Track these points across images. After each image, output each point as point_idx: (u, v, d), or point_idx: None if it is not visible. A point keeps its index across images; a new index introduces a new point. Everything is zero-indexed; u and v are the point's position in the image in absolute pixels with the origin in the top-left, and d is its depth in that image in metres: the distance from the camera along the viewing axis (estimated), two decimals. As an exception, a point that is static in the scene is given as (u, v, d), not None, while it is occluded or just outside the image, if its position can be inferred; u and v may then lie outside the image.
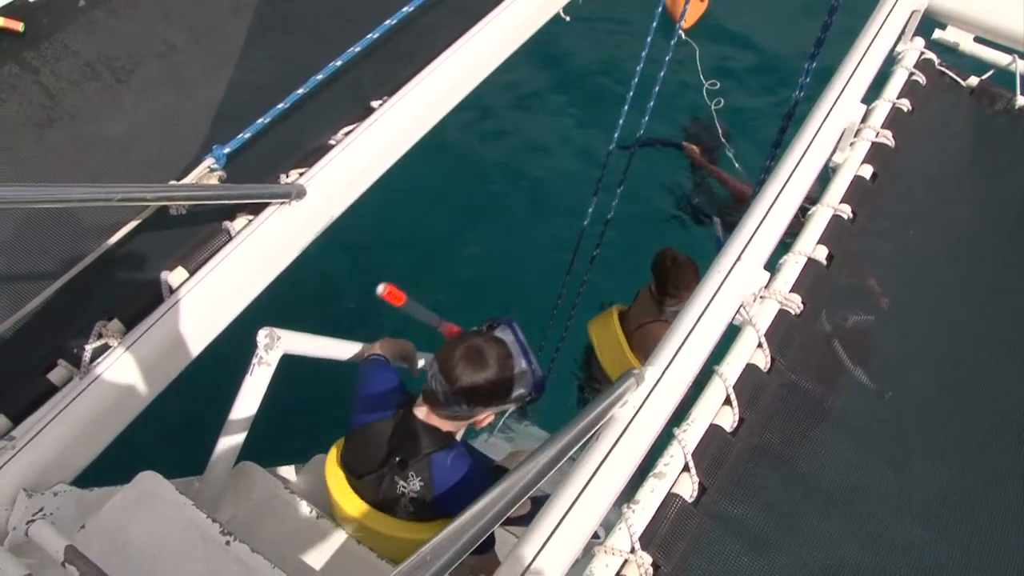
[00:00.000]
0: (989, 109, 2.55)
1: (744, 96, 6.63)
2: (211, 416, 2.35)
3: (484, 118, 6.38)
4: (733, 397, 1.73)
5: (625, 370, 1.65)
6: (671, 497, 1.58)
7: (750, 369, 1.80)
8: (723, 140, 5.89)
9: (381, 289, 2.36)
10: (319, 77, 2.62)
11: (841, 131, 2.30)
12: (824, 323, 1.97)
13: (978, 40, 2.67)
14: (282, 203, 2.24)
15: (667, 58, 3.65)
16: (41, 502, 1.81)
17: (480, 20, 2.77)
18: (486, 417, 2.33)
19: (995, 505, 1.70)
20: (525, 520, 1.71)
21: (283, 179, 2.36)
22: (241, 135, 2.44)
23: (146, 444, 2.43)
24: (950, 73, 2.62)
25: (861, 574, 1.58)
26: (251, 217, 2.26)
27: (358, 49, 2.71)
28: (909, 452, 1.78)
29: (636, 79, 3.71)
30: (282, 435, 3.14)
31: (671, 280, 3.72)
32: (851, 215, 2.15)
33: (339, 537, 2.35)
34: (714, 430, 1.69)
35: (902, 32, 2.61)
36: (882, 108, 2.44)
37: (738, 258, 1.89)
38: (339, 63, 2.67)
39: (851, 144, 2.36)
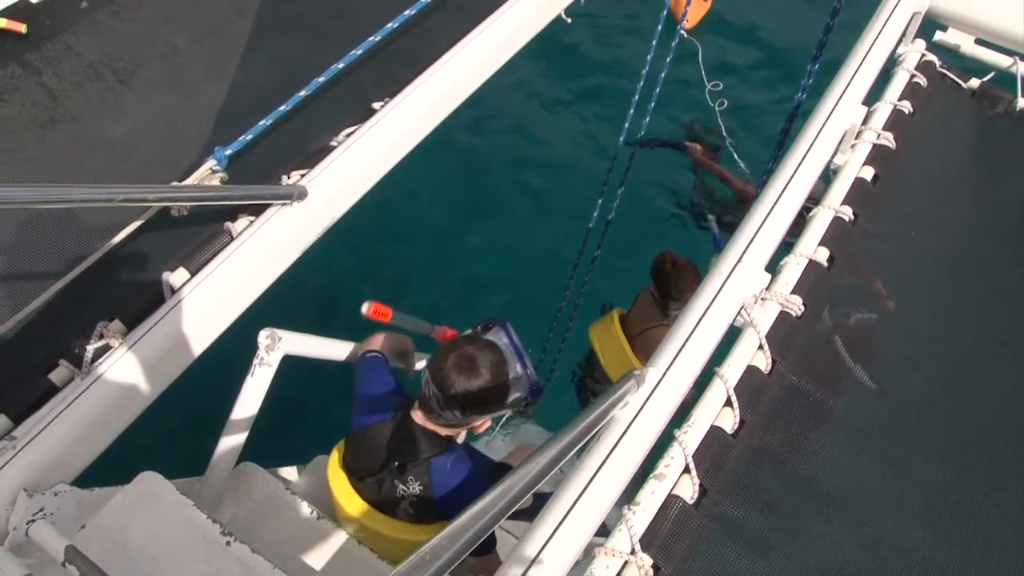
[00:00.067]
0: (990, 111, 2.56)
1: (748, 96, 6.61)
2: (212, 417, 2.36)
3: (485, 118, 6.39)
4: (734, 399, 1.73)
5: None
6: (672, 499, 1.58)
7: (751, 371, 1.80)
8: (727, 140, 5.87)
9: (366, 308, 2.34)
10: (321, 79, 2.63)
11: (842, 133, 2.30)
12: (825, 325, 1.97)
13: (979, 42, 2.67)
14: (283, 204, 2.24)
15: (668, 59, 3.65)
16: (42, 502, 1.81)
17: (481, 22, 2.77)
18: (483, 423, 2.31)
19: (996, 507, 1.70)
20: (528, 514, 1.70)
21: (285, 180, 2.36)
22: (243, 137, 2.45)
23: (147, 444, 2.44)
24: (951, 75, 2.62)
25: None
26: (252, 218, 2.26)
27: (360, 51, 2.72)
28: (910, 454, 1.78)
29: (641, 82, 3.71)
30: (283, 436, 3.14)
31: (673, 283, 3.72)
32: (852, 217, 2.15)
33: (340, 538, 2.35)
34: (715, 432, 1.69)
35: (903, 34, 2.61)
36: (883, 110, 2.44)
37: (739, 260, 1.90)
38: (341, 65, 2.67)
39: (852, 146, 2.36)
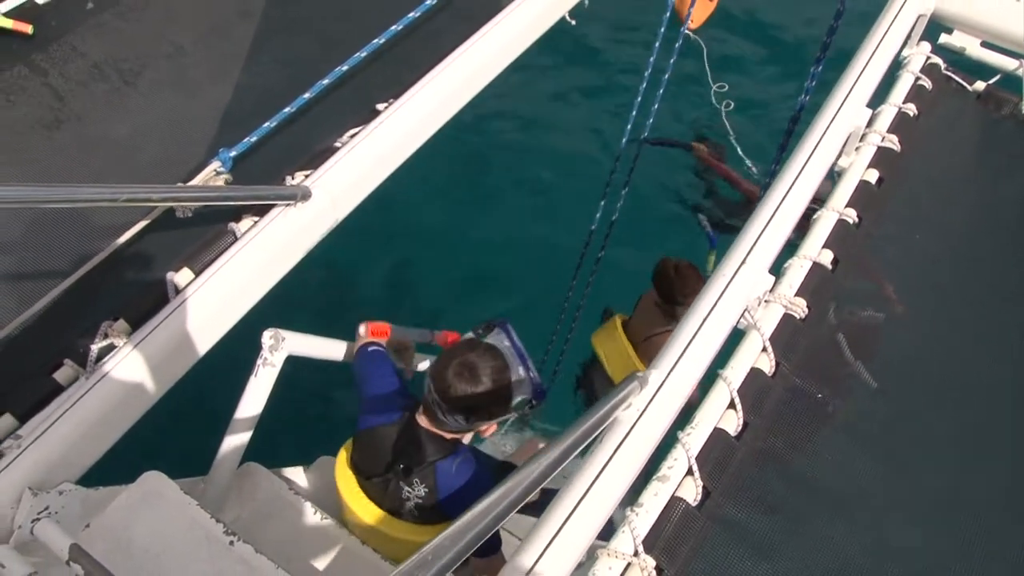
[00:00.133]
0: (995, 113, 2.55)
1: (755, 97, 6.56)
2: (216, 416, 2.36)
3: (488, 118, 6.38)
4: (737, 401, 1.73)
5: None
6: (675, 500, 1.58)
7: (754, 373, 1.80)
8: (732, 139, 5.83)
9: (363, 330, 2.34)
10: (325, 81, 2.63)
11: (847, 135, 2.30)
12: (829, 327, 1.97)
13: (985, 45, 2.66)
14: (287, 205, 2.25)
15: (671, 61, 3.65)
16: (46, 501, 1.81)
17: (485, 25, 2.77)
18: (489, 427, 2.31)
19: (1000, 511, 1.69)
20: (536, 509, 1.70)
21: (289, 181, 2.37)
22: (247, 138, 2.45)
23: (151, 444, 2.44)
24: (956, 78, 2.62)
25: None
26: (257, 219, 2.27)
27: (364, 53, 2.72)
28: (913, 456, 1.78)
29: (643, 84, 3.71)
30: (287, 436, 3.15)
31: (678, 289, 3.71)
32: (856, 219, 2.15)
33: (343, 538, 2.36)
34: (718, 434, 1.69)
35: (908, 36, 2.60)
36: (888, 112, 2.44)
37: (743, 262, 1.89)
38: (345, 67, 2.68)
39: (857, 148, 2.36)
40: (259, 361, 2.26)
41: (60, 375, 1.99)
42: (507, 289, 5.46)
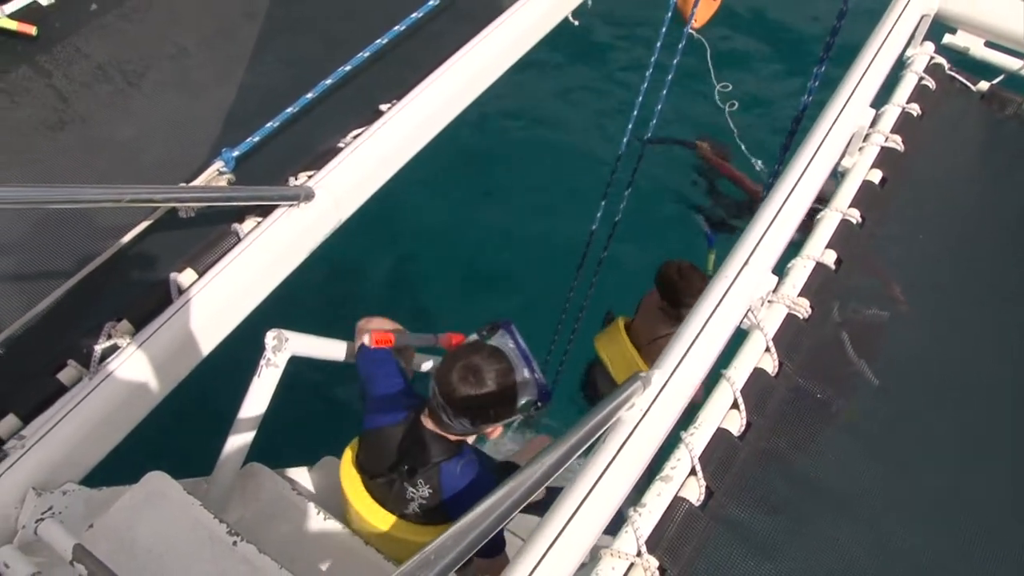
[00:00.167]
0: (999, 114, 2.54)
1: (760, 96, 6.54)
2: (219, 417, 2.36)
3: (490, 118, 6.38)
4: (740, 401, 1.72)
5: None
6: (678, 501, 1.58)
7: (758, 373, 1.79)
8: (737, 141, 5.80)
9: (367, 340, 2.34)
10: (328, 81, 2.63)
11: (850, 135, 2.30)
12: (832, 327, 1.96)
13: (989, 45, 2.65)
14: (291, 205, 2.25)
15: (675, 62, 3.64)
16: (50, 501, 1.82)
17: (488, 26, 2.78)
18: (495, 429, 2.30)
19: (1004, 512, 1.69)
20: (541, 508, 1.70)
21: (292, 182, 2.37)
22: (250, 138, 2.46)
23: (155, 444, 2.44)
24: (960, 78, 2.61)
25: None
26: (260, 219, 2.27)
27: (367, 54, 2.73)
28: (917, 457, 1.77)
29: (645, 83, 3.71)
30: (290, 436, 3.15)
31: (681, 290, 3.70)
32: (860, 219, 2.14)
33: (346, 539, 2.36)
34: (721, 434, 1.69)
35: (912, 36, 2.60)
36: (891, 113, 2.44)
37: (746, 262, 1.89)
38: (348, 67, 2.68)
39: (860, 149, 2.35)
40: (262, 361, 2.27)
41: (64, 375, 1.99)
42: (509, 289, 5.46)
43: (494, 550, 2.26)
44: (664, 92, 3.73)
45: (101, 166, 2.43)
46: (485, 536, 1.15)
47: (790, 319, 1.90)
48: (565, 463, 1.36)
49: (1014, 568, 1.59)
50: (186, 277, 2.17)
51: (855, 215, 2.14)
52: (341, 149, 2.43)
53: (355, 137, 2.46)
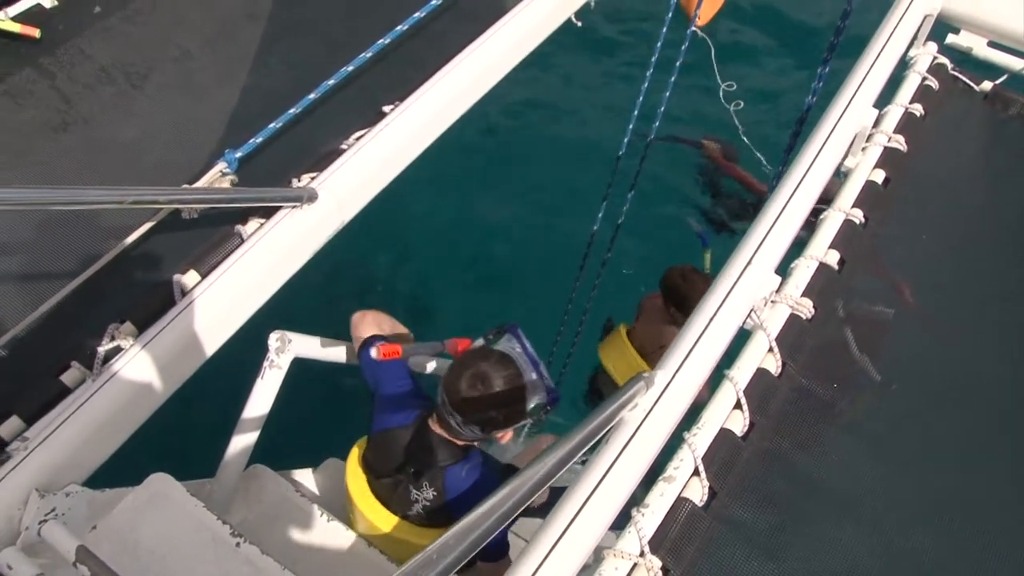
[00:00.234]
0: (1003, 114, 2.54)
1: (765, 95, 6.47)
2: (222, 419, 2.37)
3: (493, 116, 6.37)
4: (744, 401, 1.72)
5: None
6: (681, 501, 1.58)
7: (761, 373, 1.79)
8: (745, 140, 5.76)
9: (374, 352, 2.34)
10: (331, 82, 2.64)
11: (853, 136, 2.29)
12: (835, 328, 1.96)
13: (992, 44, 2.65)
14: (293, 207, 2.25)
15: (678, 63, 3.63)
16: (53, 502, 1.82)
17: (491, 26, 2.78)
18: (505, 434, 2.29)
19: (1008, 512, 1.69)
20: (544, 511, 1.69)
21: (295, 183, 2.37)
22: (253, 139, 2.46)
23: (158, 446, 2.44)
24: (963, 78, 2.61)
25: None
26: (263, 221, 2.27)
27: (370, 54, 2.73)
28: (920, 457, 1.77)
29: (646, 84, 3.70)
30: (294, 438, 3.15)
31: (688, 294, 3.67)
32: (863, 220, 2.14)
33: (350, 540, 2.36)
34: (724, 434, 1.69)
35: (915, 36, 2.60)
36: (894, 113, 2.43)
37: (749, 262, 1.89)
38: (351, 68, 2.68)
39: (863, 149, 2.35)
40: (265, 363, 2.27)
41: (67, 377, 1.99)
42: (511, 288, 5.44)
43: (498, 554, 2.26)
44: (667, 93, 3.72)
45: (104, 168, 2.43)
46: (488, 536, 1.15)
47: (793, 319, 1.90)
48: (568, 463, 1.36)
49: (1018, 568, 1.59)
50: (189, 278, 2.17)
51: (858, 215, 2.14)
52: (344, 150, 2.43)
53: (358, 138, 2.47)
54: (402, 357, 2.38)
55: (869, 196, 2.21)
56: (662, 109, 3.77)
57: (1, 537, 1.78)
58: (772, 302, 1.92)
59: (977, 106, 2.57)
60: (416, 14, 2.87)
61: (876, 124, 2.40)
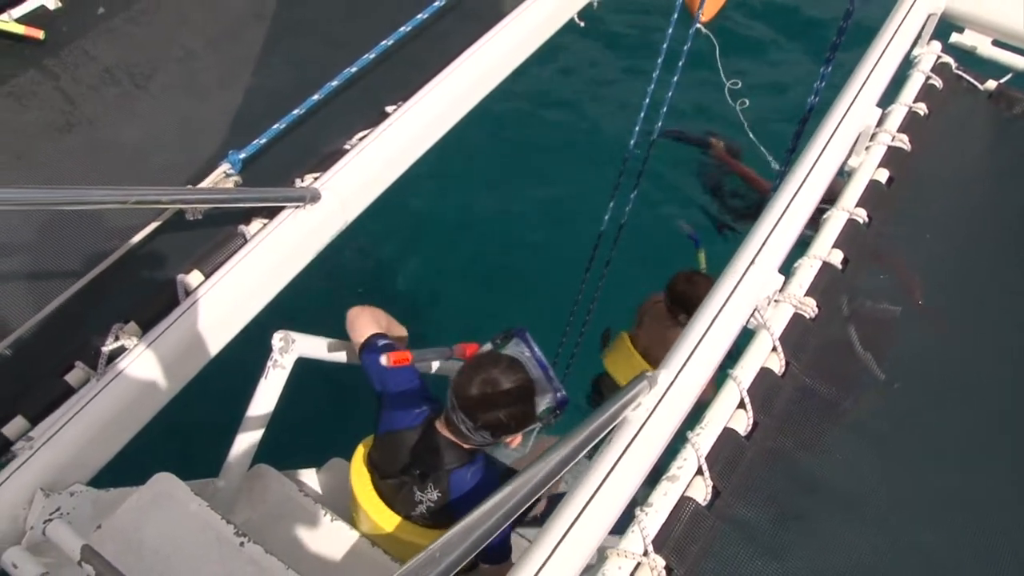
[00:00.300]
0: (1007, 113, 2.53)
1: (771, 92, 6.39)
2: (226, 418, 2.37)
3: (494, 116, 6.34)
4: (747, 400, 1.72)
5: None
6: (684, 500, 1.58)
7: (764, 373, 1.79)
8: (752, 138, 5.72)
9: (385, 360, 2.34)
10: (334, 83, 2.64)
11: (856, 135, 2.29)
12: (839, 327, 1.96)
13: (996, 43, 2.64)
14: (297, 207, 2.25)
15: (680, 63, 3.63)
16: (58, 502, 1.82)
17: (494, 27, 2.78)
18: (515, 439, 2.29)
19: (1012, 511, 1.68)
20: (541, 521, 1.69)
21: (298, 183, 2.38)
22: (257, 140, 2.46)
23: (162, 446, 2.45)
24: (967, 77, 2.60)
25: None
26: (266, 221, 2.28)
27: (372, 55, 2.73)
28: (924, 456, 1.77)
29: (652, 86, 3.69)
30: (297, 438, 3.15)
31: (693, 298, 3.64)
32: (867, 219, 2.14)
33: (353, 539, 2.36)
34: (728, 434, 1.69)
35: (919, 35, 2.59)
36: (898, 112, 2.43)
37: (752, 261, 1.89)
38: (354, 69, 2.69)
39: (867, 148, 2.35)
40: (269, 363, 2.27)
41: (71, 377, 2.00)
42: (514, 287, 5.42)
43: (500, 555, 2.26)
44: (670, 94, 3.71)
45: (108, 168, 2.44)
46: (490, 534, 1.15)
47: (796, 319, 1.90)
48: (571, 462, 1.36)
49: (1022, 567, 1.58)
50: (193, 278, 2.17)
51: (862, 214, 2.14)
52: (347, 151, 2.43)
53: (361, 139, 2.47)
54: (412, 362, 2.37)
55: (873, 195, 2.21)
56: (664, 109, 3.76)
57: (6, 536, 1.79)
58: (775, 301, 1.92)
59: (981, 105, 2.57)
60: (419, 15, 2.87)
61: (880, 123, 2.40)
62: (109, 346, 2.00)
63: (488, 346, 2.33)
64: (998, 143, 2.55)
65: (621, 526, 1.56)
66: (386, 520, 2.30)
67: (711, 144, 5.71)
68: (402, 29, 2.82)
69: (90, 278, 2.18)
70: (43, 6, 2.81)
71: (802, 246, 2.07)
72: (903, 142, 2.33)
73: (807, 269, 2.00)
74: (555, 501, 1.62)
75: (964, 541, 1.63)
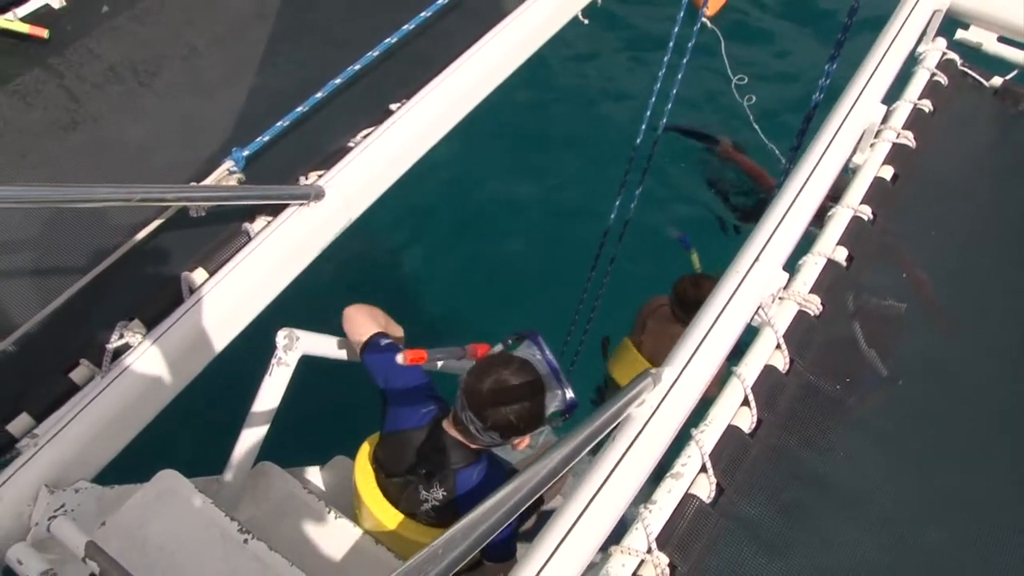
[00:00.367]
0: (1012, 109, 2.52)
1: (777, 87, 6.35)
2: (230, 416, 2.37)
3: (496, 116, 6.33)
4: (751, 398, 1.72)
5: None
6: (688, 497, 1.58)
7: (768, 370, 1.79)
8: (760, 135, 5.71)
9: (400, 359, 2.34)
10: (337, 80, 2.64)
11: (861, 132, 2.28)
12: (843, 324, 1.95)
13: (1002, 40, 2.63)
14: (301, 204, 2.26)
15: (684, 62, 3.62)
16: (63, 499, 1.83)
17: (497, 24, 2.78)
18: (523, 441, 2.28)
19: (1015, 509, 1.68)
20: (530, 537, 1.69)
21: (302, 181, 2.38)
22: (260, 138, 2.47)
23: (166, 443, 2.45)
24: (972, 73, 2.59)
25: None
26: (270, 218, 2.28)
27: (376, 53, 2.73)
28: (929, 454, 1.76)
29: (658, 84, 3.68)
30: (302, 435, 3.15)
31: (697, 300, 3.63)
32: (871, 216, 2.13)
33: (357, 537, 2.36)
34: (732, 431, 1.68)
35: (924, 32, 2.58)
36: (903, 109, 2.42)
37: (756, 259, 1.88)
38: (357, 67, 2.69)
39: (871, 145, 2.34)
40: (273, 360, 2.27)
41: (76, 374, 2.01)
42: (517, 285, 5.42)
43: (505, 554, 2.26)
44: (674, 91, 3.70)
45: (112, 166, 2.44)
46: (494, 531, 1.15)
47: (801, 316, 1.89)
48: (574, 459, 1.36)
49: (1028, 565, 1.58)
50: (197, 276, 2.18)
51: (866, 212, 2.13)
52: (351, 148, 2.43)
53: (365, 136, 2.47)
54: (427, 361, 2.36)
55: (877, 192, 2.20)
56: (669, 106, 3.75)
57: (11, 533, 1.80)
58: (780, 299, 1.92)
59: (987, 102, 2.56)
60: (423, 13, 2.87)
61: (885, 120, 2.39)
62: (114, 343, 2.00)
63: (499, 347, 2.33)
64: (1004, 140, 2.54)
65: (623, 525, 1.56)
66: (390, 518, 2.30)
67: (719, 141, 5.69)
68: (405, 27, 2.82)
69: (94, 275, 2.19)
70: (47, 5, 2.81)
71: (807, 243, 2.06)
72: (908, 139, 2.32)
73: (811, 266, 1.99)
74: (544, 517, 1.61)
75: (969, 539, 1.63)
